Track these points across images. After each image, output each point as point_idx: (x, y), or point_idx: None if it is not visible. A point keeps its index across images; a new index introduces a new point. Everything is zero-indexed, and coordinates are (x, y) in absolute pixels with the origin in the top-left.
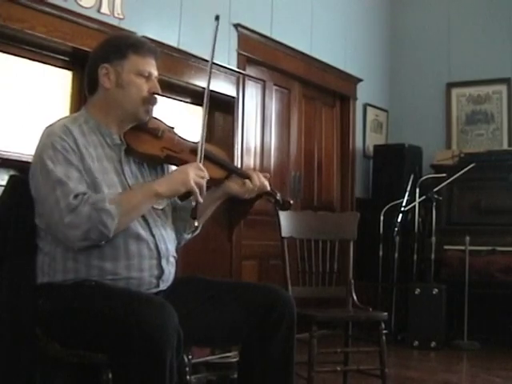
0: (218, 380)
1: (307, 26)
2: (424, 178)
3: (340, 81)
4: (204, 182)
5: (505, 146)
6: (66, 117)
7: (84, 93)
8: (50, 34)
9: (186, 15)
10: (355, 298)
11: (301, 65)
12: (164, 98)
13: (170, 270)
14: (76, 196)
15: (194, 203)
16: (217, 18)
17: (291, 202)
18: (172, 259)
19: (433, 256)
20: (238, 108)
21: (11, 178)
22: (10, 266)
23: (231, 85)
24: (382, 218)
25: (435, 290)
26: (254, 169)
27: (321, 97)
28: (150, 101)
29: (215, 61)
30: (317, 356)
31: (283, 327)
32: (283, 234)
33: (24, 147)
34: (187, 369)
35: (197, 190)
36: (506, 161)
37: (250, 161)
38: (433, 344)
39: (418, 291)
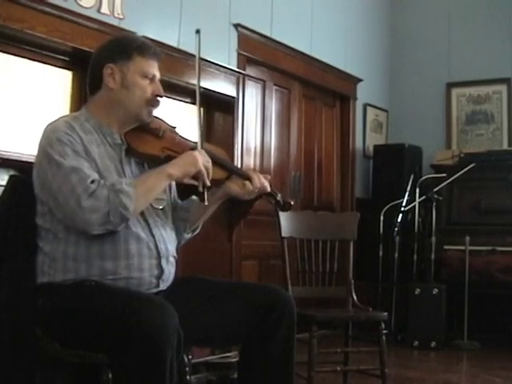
0: (218, 380)
1: (307, 26)
2: (424, 177)
3: (340, 81)
4: (210, 166)
5: (505, 146)
6: (67, 115)
7: (84, 93)
8: (50, 33)
9: (186, 15)
10: (355, 298)
11: (301, 65)
12: (164, 98)
13: (169, 270)
14: (93, 181)
15: (201, 189)
16: (197, 31)
17: (292, 202)
18: (172, 259)
19: (433, 256)
20: (237, 108)
21: (11, 178)
22: (10, 266)
23: (231, 85)
24: (382, 218)
25: (435, 290)
26: (255, 169)
27: (321, 97)
28: (152, 103)
29: (215, 61)
30: (317, 356)
31: (283, 327)
32: (283, 234)
33: (24, 147)
34: (187, 369)
35: (205, 172)
36: (506, 161)
37: (250, 161)
38: (433, 344)
39: (418, 291)
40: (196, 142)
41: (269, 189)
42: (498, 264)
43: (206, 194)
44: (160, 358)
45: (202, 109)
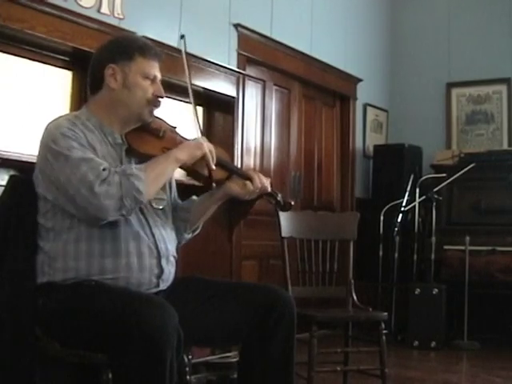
0: (218, 380)
1: (307, 26)
2: (424, 177)
3: (340, 81)
4: (214, 150)
5: (505, 146)
6: (68, 114)
7: (84, 93)
8: (50, 33)
9: (186, 15)
10: (355, 297)
11: (301, 65)
12: (164, 98)
13: (169, 270)
14: (104, 168)
15: (206, 172)
16: (182, 36)
17: (292, 203)
18: (172, 259)
19: (433, 256)
20: (237, 108)
21: (11, 178)
22: (10, 265)
23: (231, 85)
24: (382, 218)
25: (435, 290)
26: (255, 169)
27: (321, 97)
28: (154, 103)
29: (215, 61)
30: (317, 356)
31: (283, 327)
32: (283, 234)
33: (24, 147)
34: (187, 369)
35: (210, 156)
36: (506, 161)
37: (250, 161)
38: (433, 344)
39: (418, 291)
40: None
41: (269, 189)
42: (498, 264)
43: (212, 176)
44: (160, 358)
45: (202, 109)
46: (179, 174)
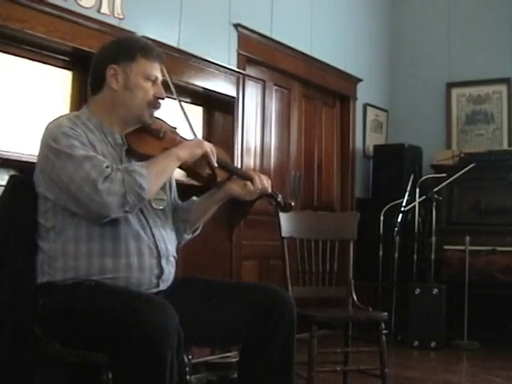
0: (218, 380)
1: (307, 26)
2: (424, 177)
3: (340, 81)
4: (214, 148)
5: (505, 146)
6: (68, 114)
7: (84, 93)
8: (50, 34)
9: (186, 15)
10: (355, 298)
11: (301, 65)
12: (165, 99)
13: (169, 270)
14: (107, 166)
15: (209, 171)
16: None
17: (292, 204)
18: (172, 259)
19: (433, 256)
20: (237, 108)
21: (11, 178)
22: (10, 265)
23: (231, 85)
24: (382, 218)
25: (435, 290)
26: (255, 169)
27: (321, 97)
28: (154, 104)
29: (215, 61)
30: (317, 356)
31: (283, 327)
32: (283, 234)
33: (24, 147)
34: (187, 369)
35: (211, 153)
36: (506, 161)
37: (250, 161)
38: (433, 344)
39: (418, 291)
40: None
41: (270, 190)
42: (498, 264)
43: (216, 173)
44: (160, 358)
45: (202, 109)
46: (179, 174)
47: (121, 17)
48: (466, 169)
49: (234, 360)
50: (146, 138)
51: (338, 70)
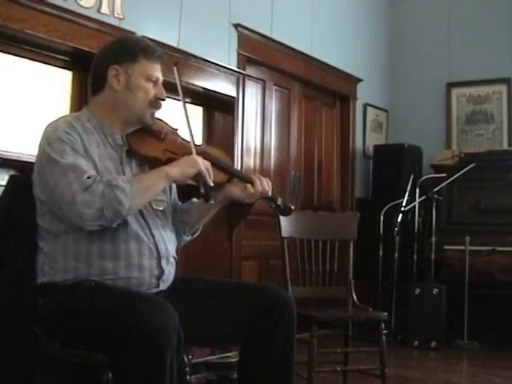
0: (217, 380)
1: (307, 26)
2: (424, 177)
3: (340, 81)
4: (210, 167)
5: (505, 146)
6: (68, 115)
7: (84, 93)
8: (50, 34)
9: (186, 15)
10: (355, 298)
11: (301, 65)
12: (165, 100)
13: (169, 271)
14: (89, 177)
15: (203, 191)
16: (175, 64)
17: (292, 207)
18: (172, 260)
19: (433, 256)
20: (237, 108)
21: (11, 178)
22: (11, 265)
23: (231, 85)
24: (382, 218)
25: (435, 290)
26: (255, 170)
27: (321, 97)
28: (155, 105)
29: (215, 61)
30: (317, 356)
31: (283, 327)
32: (283, 234)
33: (24, 147)
34: (187, 369)
35: (206, 173)
36: (506, 161)
37: (250, 161)
38: (433, 344)
39: (418, 291)
40: (198, 145)
41: (270, 193)
42: (498, 264)
43: (209, 193)
44: (160, 358)
45: (202, 109)
46: None
47: (121, 17)
48: (466, 169)
49: (234, 360)
50: (146, 139)
51: (338, 70)
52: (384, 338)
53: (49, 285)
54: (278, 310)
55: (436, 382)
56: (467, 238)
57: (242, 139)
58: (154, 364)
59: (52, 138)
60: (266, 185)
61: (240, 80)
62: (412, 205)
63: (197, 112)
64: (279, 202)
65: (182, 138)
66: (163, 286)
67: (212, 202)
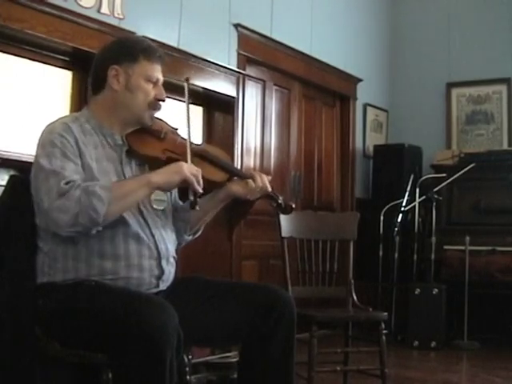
0: (217, 380)
1: (307, 26)
2: (424, 177)
3: (340, 81)
4: (199, 173)
5: (505, 146)
6: (67, 116)
7: (84, 93)
8: (50, 34)
9: (186, 15)
10: (355, 298)
11: (301, 65)
12: (165, 101)
13: (169, 270)
14: (68, 182)
15: (191, 197)
16: (186, 79)
17: (293, 206)
18: (172, 260)
19: (433, 256)
20: (238, 108)
21: (11, 178)
22: (10, 265)
23: (231, 85)
24: (382, 218)
25: (435, 290)
26: (255, 169)
27: (321, 97)
28: (154, 106)
29: (215, 61)
30: (317, 356)
31: (283, 327)
32: (283, 234)
33: (24, 147)
34: (187, 369)
35: (193, 179)
36: (506, 161)
37: (250, 161)
38: (433, 344)
39: (418, 291)
40: (198, 144)
41: (270, 188)
42: (498, 264)
43: (196, 200)
44: (160, 358)
45: (202, 109)
46: None
47: (121, 17)
48: (466, 169)
49: (234, 360)
50: (146, 139)
51: (338, 70)
52: (384, 338)
53: (49, 285)
54: (278, 309)
55: (436, 382)
56: (467, 238)
57: (242, 139)
58: (154, 364)
59: (45, 140)
60: (266, 180)
61: (240, 80)
62: (412, 205)
63: (197, 112)
64: (280, 200)
65: (182, 138)
66: (163, 286)
67: (197, 208)
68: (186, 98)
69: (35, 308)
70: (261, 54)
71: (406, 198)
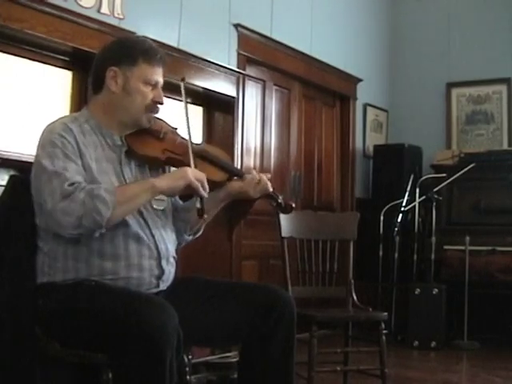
0: (217, 380)
1: (307, 26)
2: (424, 177)
3: (340, 81)
4: (204, 178)
5: (505, 146)
6: (67, 116)
7: (84, 93)
8: (50, 34)
9: (186, 15)
10: (355, 298)
11: (301, 65)
12: (164, 104)
13: (169, 270)
14: (72, 184)
15: (198, 204)
16: (182, 79)
17: (293, 205)
18: (172, 260)
19: (433, 256)
20: (237, 108)
21: (11, 178)
22: (10, 265)
23: (231, 85)
24: (382, 218)
25: (435, 290)
26: (255, 169)
27: (321, 97)
28: (152, 109)
29: (215, 61)
30: (317, 356)
31: (283, 327)
32: (283, 234)
33: (24, 147)
34: (187, 369)
35: (198, 184)
36: (506, 161)
37: (250, 161)
38: (433, 344)
39: (418, 291)
40: (198, 144)
41: (270, 188)
42: (498, 264)
43: (204, 209)
44: (160, 358)
45: (202, 109)
46: None
47: (121, 17)
48: (466, 169)
49: (234, 360)
50: (146, 139)
51: (338, 70)
52: (384, 338)
53: (49, 285)
54: (278, 309)
55: (436, 381)
56: (467, 238)
57: (242, 139)
58: (154, 364)
59: (46, 140)
60: (266, 180)
61: (240, 80)
62: (412, 205)
63: (197, 112)
64: (280, 199)
65: (182, 138)
66: (163, 286)
67: (206, 216)
68: (183, 98)
69: (35, 308)
70: (261, 54)
71: (405, 198)
